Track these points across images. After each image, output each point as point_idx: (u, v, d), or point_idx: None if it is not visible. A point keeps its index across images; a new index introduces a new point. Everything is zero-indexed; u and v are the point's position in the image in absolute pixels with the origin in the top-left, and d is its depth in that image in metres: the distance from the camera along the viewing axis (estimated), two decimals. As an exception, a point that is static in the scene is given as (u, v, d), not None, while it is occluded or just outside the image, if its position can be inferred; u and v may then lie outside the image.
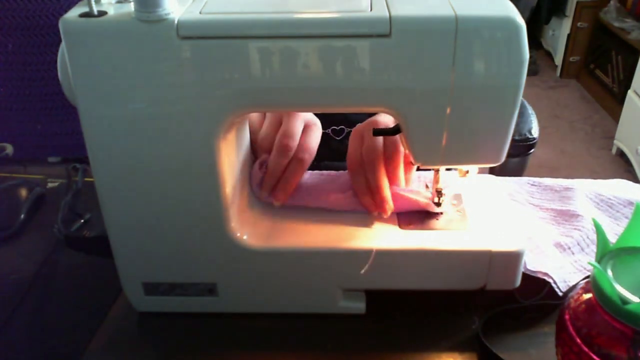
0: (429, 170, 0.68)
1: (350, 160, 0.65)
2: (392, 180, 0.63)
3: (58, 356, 0.59)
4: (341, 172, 0.69)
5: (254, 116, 0.69)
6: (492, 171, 0.78)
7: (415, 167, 0.66)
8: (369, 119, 0.70)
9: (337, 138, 0.91)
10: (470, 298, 0.62)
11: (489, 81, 0.49)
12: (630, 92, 2.28)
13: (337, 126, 0.90)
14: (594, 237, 0.66)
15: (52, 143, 1.04)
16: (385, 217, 0.62)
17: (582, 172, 2.32)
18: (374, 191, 0.62)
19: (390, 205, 0.61)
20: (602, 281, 0.44)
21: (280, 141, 0.62)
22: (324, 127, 0.89)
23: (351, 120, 0.91)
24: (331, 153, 0.92)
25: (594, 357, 0.44)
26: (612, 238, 0.65)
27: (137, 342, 0.60)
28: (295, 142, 0.62)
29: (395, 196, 0.62)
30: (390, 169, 0.63)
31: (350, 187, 0.64)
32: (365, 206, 0.63)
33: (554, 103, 2.89)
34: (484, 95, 0.49)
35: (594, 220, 0.49)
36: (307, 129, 0.65)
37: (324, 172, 0.69)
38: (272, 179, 0.63)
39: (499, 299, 0.61)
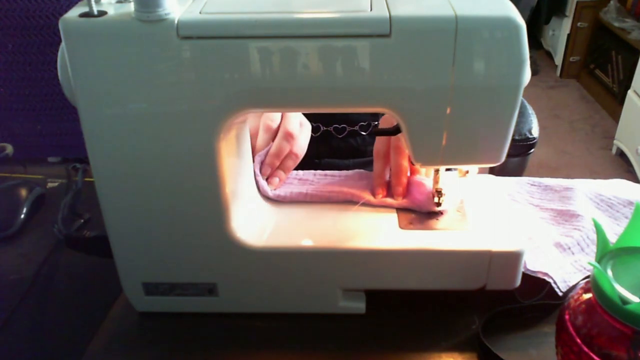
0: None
1: (377, 148, 0.68)
2: (413, 171, 0.67)
3: (58, 356, 0.59)
4: (348, 171, 0.71)
5: (253, 128, 0.71)
6: (492, 171, 0.78)
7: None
8: None
9: (338, 136, 0.91)
10: (470, 298, 0.62)
11: (489, 81, 0.49)
12: (630, 92, 2.28)
13: (339, 124, 0.91)
14: (594, 237, 0.66)
15: (52, 143, 1.04)
16: (397, 200, 0.64)
17: (582, 172, 2.32)
18: (393, 174, 0.65)
19: (402, 190, 0.64)
20: (602, 281, 0.44)
21: (284, 131, 0.68)
22: (325, 126, 0.90)
23: (352, 119, 0.91)
24: (332, 151, 0.92)
25: (594, 357, 0.44)
26: (612, 238, 0.65)
27: (137, 342, 0.60)
28: (296, 134, 0.68)
29: (413, 183, 0.65)
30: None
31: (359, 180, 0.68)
32: (376, 184, 0.65)
33: (554, 103, 2.89)
34: (484, 95, 0.49)
35: (594, 220, 0.49)
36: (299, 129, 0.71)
37: (329, 172, 0.70)
38: (274, 160, 0.67)
39: (499, 299, 0.61)
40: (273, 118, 0.70)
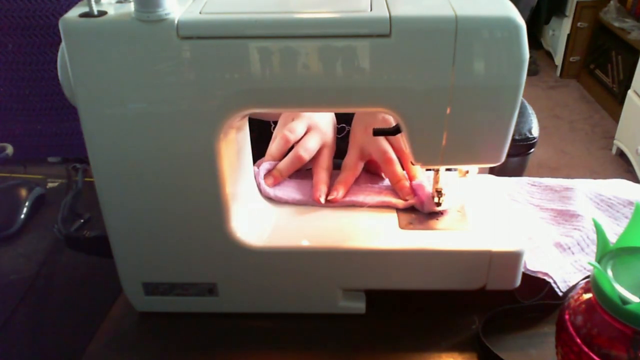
0: (429, 170, 0.68)
1: (346, 161, 0.69)
2: (411, 176, 0.67)
3: (58, 356, 0.59)
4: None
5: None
6: (492, 171, 0.78)
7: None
8: (365, 120, 0.72)
9: (338, 136, 0.91)
10: (470, 298, 0.62)
11: (489, 81, 0.49)
12: (630, 92, 2.28)
13: (339, 124, 0.91)
14: (594, 237, 0.66)
15: (52, 143, 1.04)
16: (400, 200, 0.64)
17: (582, 172, 2.32)
18: (393, 184, 0.66)
19: (409, 192, 0.65)
20: (602, 281, 0.44)
21: (296, 153, 0.68)
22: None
23: (352, 119, 0.91)
24: None
25: (594, 357, 0.44)
26: (612, 238, 0.65)
27: (137, 342, 0.60)
28: (307, 159, 0.69)
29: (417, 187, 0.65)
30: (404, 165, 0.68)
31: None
32: (334, 188, 0.66)
33: (554, 103, 2.89)
34: (484, 95, 0.49)
35: (594, 220, 0.49)
36: (322, 149, 0.71)
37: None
38: (279, 175, 0.68)
39: (499, 299, 0.61)
40: (293, 129, 0.70)
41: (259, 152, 0.69)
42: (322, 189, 0.66)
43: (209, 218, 0.56)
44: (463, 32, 0.46)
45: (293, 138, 0.69)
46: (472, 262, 0.58)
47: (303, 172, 0.70)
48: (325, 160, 0.69)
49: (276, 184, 0.67)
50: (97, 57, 0.49)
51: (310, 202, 0.65)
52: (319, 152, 0.70)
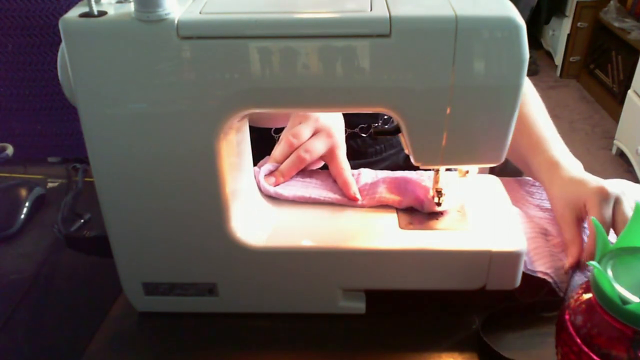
0: (429, 170, 0.68)
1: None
2: None
3: (58, 356, 0.59)
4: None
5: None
6: (492, 171, 0.78)
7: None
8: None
9: None
10: (470, 298, 0.62)
11: (489, 81, 0.49)
12: (630, 92, 2.28)
13: None
14: (594, 237, 0.66)
15: (52, 143, 1.04)
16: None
17: (582, 172, 2.31)
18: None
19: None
20: (602, 281, 0.44)
21: (298, 155, 0.68)
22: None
23: (352, 121, 0.91)
24: None
25: (594, 357, 0.44)
26: (612, 238, 0.65)
27: (137, 342, 0.60)
28: (308, 161, 0.68)
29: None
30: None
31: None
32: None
33: (554, 103, 2.89)
34: (484, 95, 0.49)
35: (593, 220, 0.49)
36: (334, 151, 0.70)
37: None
38: (280, 177, 0.68)
39: (499, 299, 0.61)
40: (298, 133, 0.69)
41: (258, 153, 0.69)
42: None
43: (209, 218, 0.56)
44: (463, 32, 0.46)
45: (297, 142, 0.69)
46: (472, 262, 0.58)
47: (307, 171, 0.70)
48: (342, 160, 0.69)
49: (277, 185, 0.67)
50: (97, 57, 0.49)
51: (311, 200, 0.65)
52: (333, 156, 0.69)
